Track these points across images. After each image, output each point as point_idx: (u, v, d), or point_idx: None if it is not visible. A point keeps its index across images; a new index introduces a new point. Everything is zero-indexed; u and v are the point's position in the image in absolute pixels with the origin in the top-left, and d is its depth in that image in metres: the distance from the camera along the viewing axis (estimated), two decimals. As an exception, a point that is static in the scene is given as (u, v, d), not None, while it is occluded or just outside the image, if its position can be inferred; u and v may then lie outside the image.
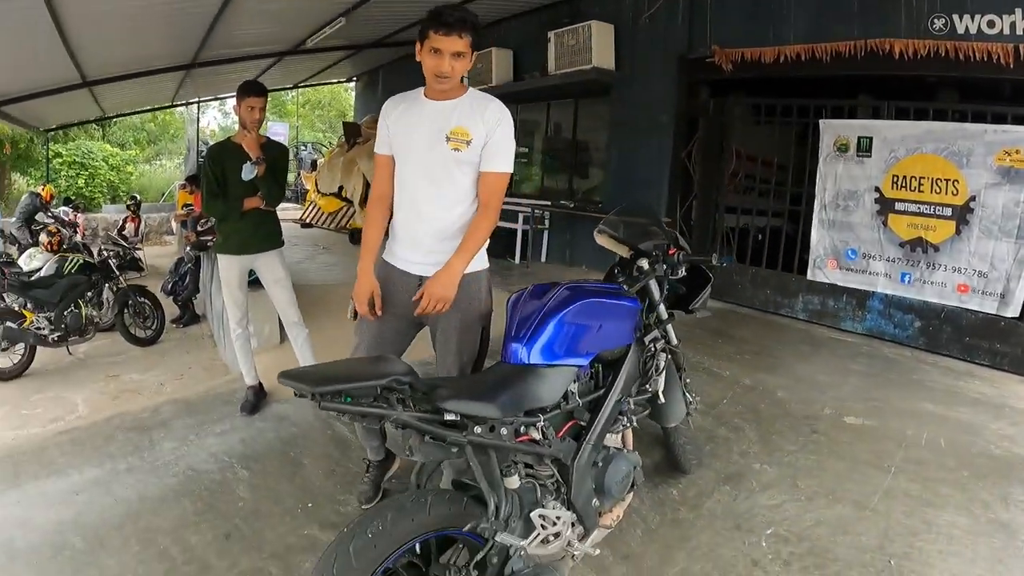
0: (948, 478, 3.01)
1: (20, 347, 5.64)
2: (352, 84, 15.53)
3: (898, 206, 5.03)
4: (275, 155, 3.63)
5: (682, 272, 2.48)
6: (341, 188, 12.70)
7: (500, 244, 8.74)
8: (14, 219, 9.52)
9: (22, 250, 8.57)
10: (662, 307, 2.48)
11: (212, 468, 3.14)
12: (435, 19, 2.05)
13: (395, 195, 2.34)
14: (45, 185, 10.28)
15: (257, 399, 3.84)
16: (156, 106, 15.16)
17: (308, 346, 3.82)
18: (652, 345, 2.34)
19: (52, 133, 15.16)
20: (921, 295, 4.99)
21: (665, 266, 2.45)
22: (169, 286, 7.74)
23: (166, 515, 2.72)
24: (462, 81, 2.28)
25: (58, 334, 5.76)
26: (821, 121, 5.42)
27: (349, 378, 1.50)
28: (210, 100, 14.94)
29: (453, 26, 2.04)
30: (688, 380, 2.79)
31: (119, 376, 5.36)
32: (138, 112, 16.12)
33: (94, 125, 18.55)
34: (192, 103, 13.83)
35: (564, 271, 7.98)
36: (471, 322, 2.32)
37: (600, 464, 2.09)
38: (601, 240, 2.68)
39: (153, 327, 6.63)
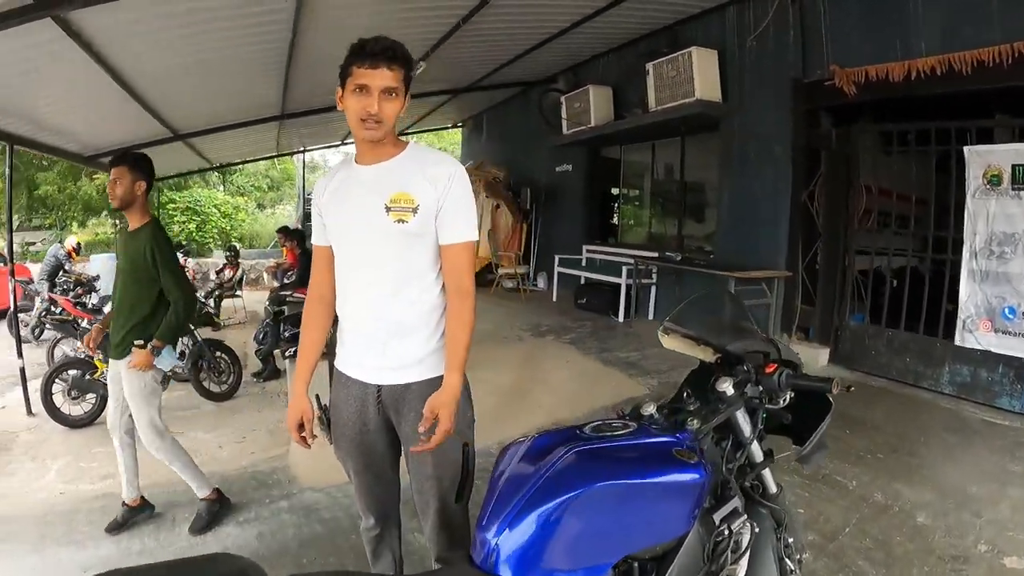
0: None
1: (92, 396, 5.99)
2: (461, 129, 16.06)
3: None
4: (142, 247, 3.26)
5: (785, 400, 1.81)
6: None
7: (602, 299, 8.58)
8: (39, 274, 9.92)
9: (46, 307, 9.09)
10: (755, 445, 1.81)
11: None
12: (358, 51, 1.82)
13: (337, 289, 2.06)
14: (71, 237, 10.87)
15: (211, 515, 3.53)
16: (264, 155, 16.48)
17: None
18: (726, 525, 1.69)
19: (166, 182, 16.86)
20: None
21: (760, 388, 1.78)
22: (260, 336, 8.08)
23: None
24: (400, 138, 2.02)
25: None
26: (966, 148, 4.75)
27: None
28: (319, 148, 16.04)
29: (380, 55, 1.80)
30: (790, 540, 2.03)
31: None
32: (247, 161, 17.63)
33: (216, 173, 20.66)
34: (297, 152, 14.86)
35: None
36: (450, 439, 1.91)
37: None
38: (670, 343, 2.12)
39: (228, 382, 6.87)
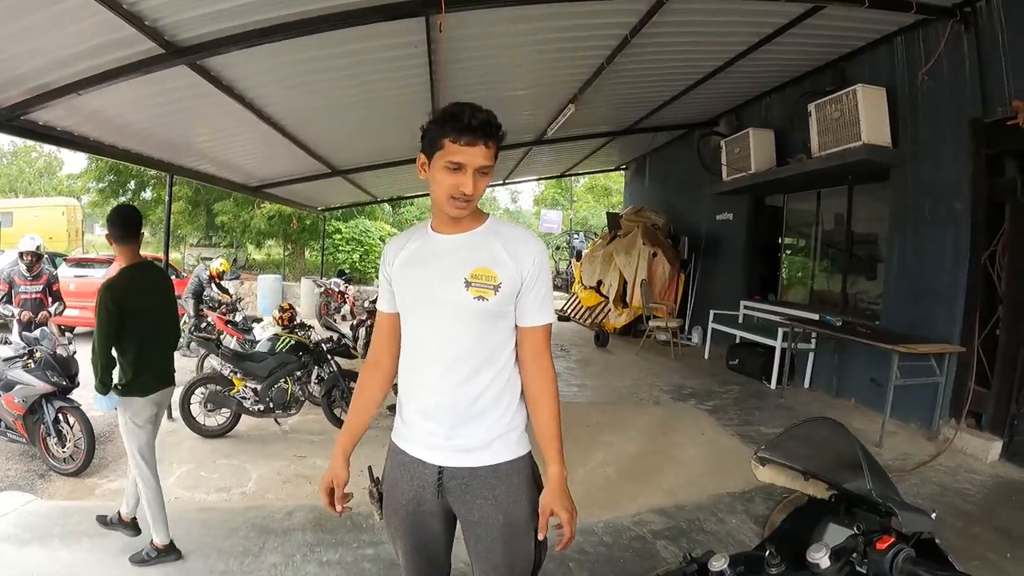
0: None
1: (226, 410, 6.57)
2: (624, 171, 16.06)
3: None
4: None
5: None
6: (600, 283, 13.01)
7: (755, 362, 8.19)
8: (185, 293, 10.68)
9: (193, 323, 10.08)
10: None
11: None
12: (453, 123, 1.70)
13: (401, 360, 1.99)
14: (217, 260, 11.49)
15: (152, 558, 3.63)
16: (426, 192, 17.43)
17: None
18: None
19: (334, 212, 18.57)
20: None
21: (865, 566, 1.37)
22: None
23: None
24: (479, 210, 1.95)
25: (261, 406, 6.60)
26: None
27: None
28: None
29: (478, 131, 1.69)
30: None
31: (305, 459, 5.82)
32: (406, 197, 18.88)
33: (388, 205, 22.29)
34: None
35: (828, 404, 7.02)
36: (520, 524, 1.87)
37: None
38: (767, 475, 1.83)
39: (359, 413, 7.24)
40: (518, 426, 1.92)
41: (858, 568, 1.34)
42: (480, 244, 1.85)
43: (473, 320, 1.82)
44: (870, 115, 6.14)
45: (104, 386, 3.45)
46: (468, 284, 1.80)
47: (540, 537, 1.84)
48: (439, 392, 1.85)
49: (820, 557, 1.32)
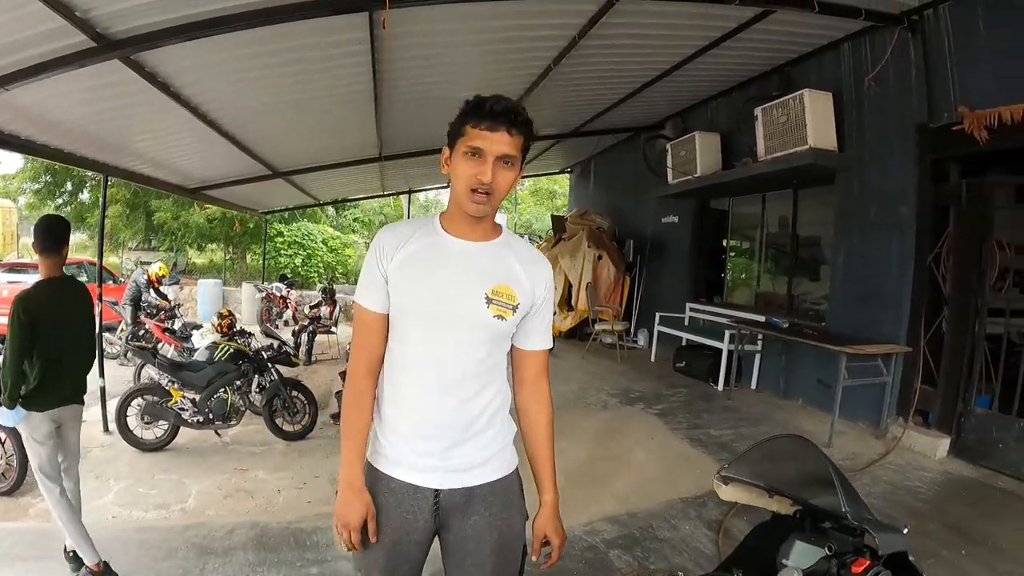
0: None
1: (164, 422, 6.28)
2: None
3: None
4: None
5: None
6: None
7: (702, 365, 8.26)
8: (123, 299, 10.37)
9: (130, 331, 9.80)
10: None
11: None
12: (476, 109, 1.63)
13: (386, 372, 1.82)
14: (155, 264, 11.18)
15: None
16: (372, 195, 17.37)
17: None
18: None
19: (276, 215, 18.23)
20: None
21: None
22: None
23: None
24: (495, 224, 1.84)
25: (200, 418, 6.33)
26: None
27: None
28: (428, 189, 16.64)
29: (500, 116, 1.61)
30: None
31: (246, 471, 5.65)
32: (352, 200, 18.57)
33: (332, 209, 22.03)
34: (403, 193, 15.42)
35: (775, 406, 7.09)
36: (512, 540, 1.84)
37: None
38: (730, 494, 1.81)
39: (303, 422, 6.98)
40: (510, 441, 1.87)
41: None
42: (499, 257, 1.77)
43: (487, 338, 1.74)
44: (817, 119, 6.22)
45: (11, 400, 3.28)
46: (489, 300, 1.71)
47: (534, 559, 1.83)
48: (439, 412, 1.74)
49: None
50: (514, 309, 1.72)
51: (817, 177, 6.80)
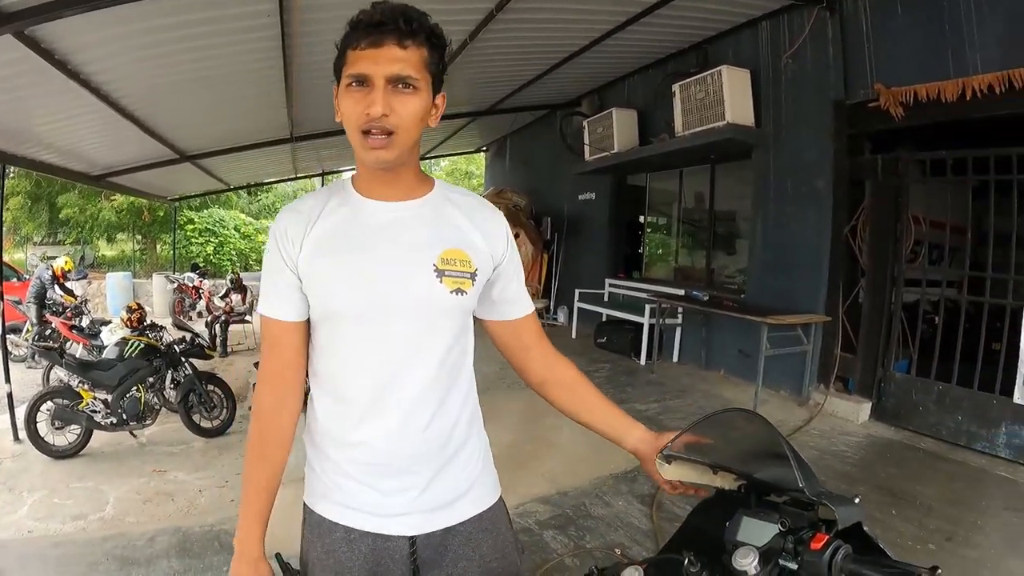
0: None
1: (76, 426, 5.83)
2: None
3: None
4: None
5: None
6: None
7: (623, 339, 8.26)
8: (27, 296, 9.78)
9: (36, 330, 9.24)
10: None
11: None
12: (354, 25, 1.19)
13: (317, 393, 1.39)
14: (60, 258, 10.55)
15: None
16: (285, 177, 16.60)
17: None
18: None
19: (187, 201, 17.44)
20: None
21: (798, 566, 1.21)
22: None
23: None
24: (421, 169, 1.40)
25: (113, 419, 5.91)
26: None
27: None
28: (340, 171, 16.11)
29: (386, 26, 1.16)
30: None
31: (165, 473, 5.39)
32: (264, 184, 17.75)
33: (245, 194, 21.08)
34: (316, 176, 14.88)
35: (699, 377, 7.19)
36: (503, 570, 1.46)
37: None
38: (674, 473, 1.55)
39: (221, 417, 6.63)
40: (489, 457, 1.49)
41: (789, 566, 1.17)
42: (439, 216, 1.33)
43: (448, 324, 1.32)
44: (734, 96, 6.27)
45: None
46: (440, 273, 1.27)
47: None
48: (402, 437, 1.31)
49: (749, 564, 1.13)
50: (472, 277, 1.31)
51: (735, 152, 6.89)
